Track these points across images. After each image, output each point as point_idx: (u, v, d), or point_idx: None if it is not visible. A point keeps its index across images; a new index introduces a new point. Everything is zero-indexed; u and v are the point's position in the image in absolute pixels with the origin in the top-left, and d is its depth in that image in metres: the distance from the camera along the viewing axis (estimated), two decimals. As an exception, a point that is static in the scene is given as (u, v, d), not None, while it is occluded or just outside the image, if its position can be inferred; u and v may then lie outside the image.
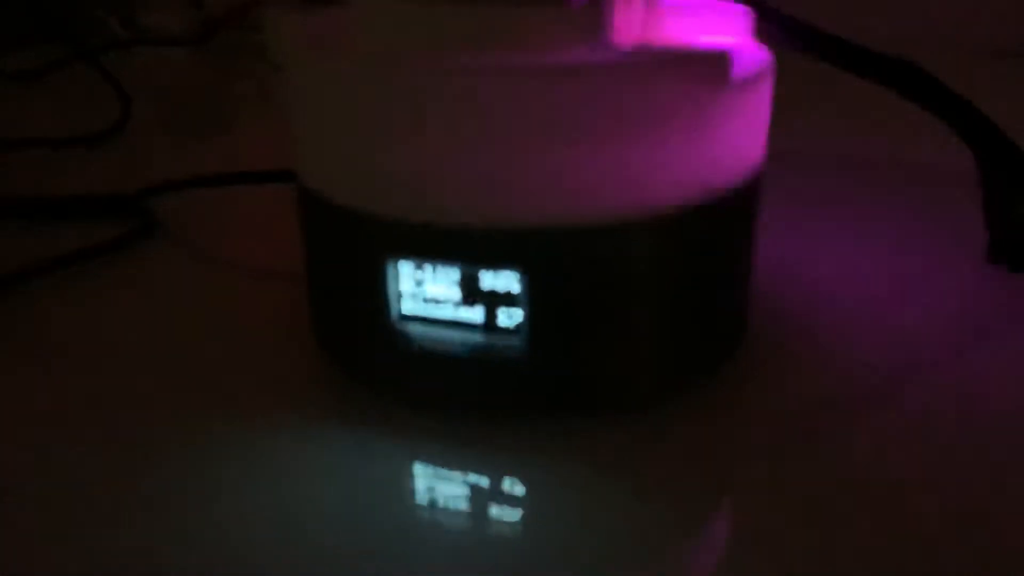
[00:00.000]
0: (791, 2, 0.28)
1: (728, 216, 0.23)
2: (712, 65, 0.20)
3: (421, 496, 0.21)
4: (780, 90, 0.27)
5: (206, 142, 0.47)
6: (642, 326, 0.22)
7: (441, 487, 0.21)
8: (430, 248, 0.21)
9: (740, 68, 0.22)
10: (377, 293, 0.22)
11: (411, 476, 0.21)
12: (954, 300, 0.29)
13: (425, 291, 0.22)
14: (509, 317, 0.21)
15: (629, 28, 0.24)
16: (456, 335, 0.22)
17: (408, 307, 0.22)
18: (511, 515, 0.20)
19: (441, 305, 0.22)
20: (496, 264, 0.21)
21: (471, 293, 0.21)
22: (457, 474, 0.21)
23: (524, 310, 0.21)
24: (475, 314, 0.22)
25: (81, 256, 0.31)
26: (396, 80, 0.20)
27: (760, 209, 0.25)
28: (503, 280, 0.21)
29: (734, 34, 0.25)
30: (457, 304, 0.22)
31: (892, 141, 0.45)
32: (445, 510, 0.20)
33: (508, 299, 0.21)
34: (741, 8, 0.26)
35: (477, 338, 0.22)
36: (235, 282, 0.31)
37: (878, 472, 0.21)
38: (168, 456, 0.22)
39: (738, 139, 0.22)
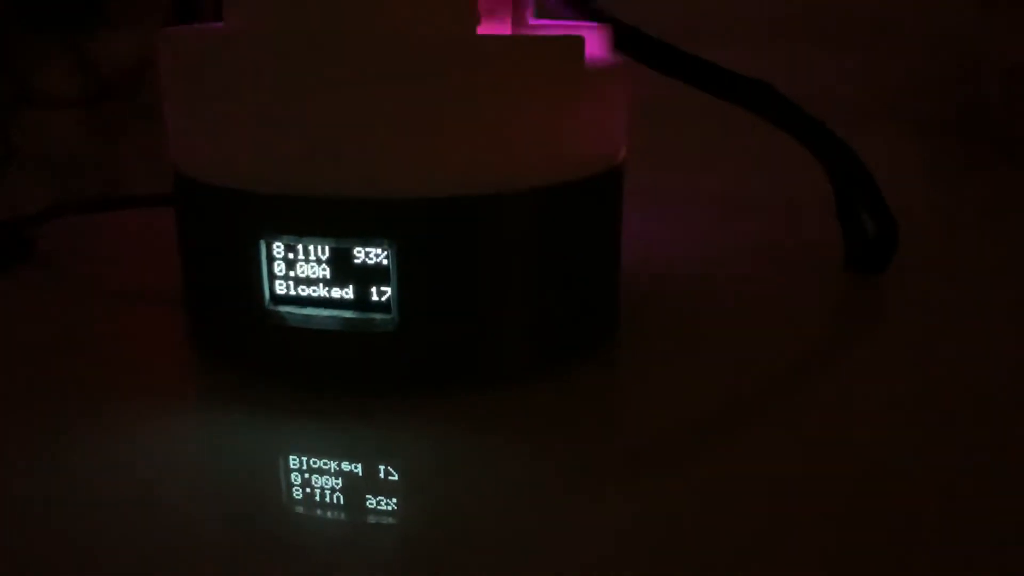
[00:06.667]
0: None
1: (591, 196, 0.24)
2: (567, 46, 0.22)
3: (297, 475, 0.20)
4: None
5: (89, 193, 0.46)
6: (509, 299, 0.23)
7: (318, 464, 0.21)
8: (300, 223, 0.22)
9: (596, 60, 0.24)
10: (250, 275, 0.22)
11: (288, 455, 0.21)
12: (818, 303, 0.31)
13: (297, 271, 0.22)
14: (379, 291, 0.22)
15: (495, 18, 0.26)
16: (328, 313, 0.22)
17: (280, 288, 0.22)
18: (388, 490, 0.20)
19: (313, 284, 0.22)
20: (366, 236, 0.21)
21: (342, 269, 0.22)
22: (333, 450, 0.21)
23: (394, 283, 0.22)
24: (346, 290, 0.22)
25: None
26: (260, 59, 0.21)
27: (623, 199, 0.26)
28: (373, 254, 0.22)
29: (593, 48, 0.27)
30: (328, 281, 0.22)
31: (750, 165, 0.47)
32: (323, 488, 0.20)
33: (378, 273, 0.22)
34: (603, 27, 0.28)
35: (349, 314, 0.22)
36: (110, 302, 0.31)
37: (739, 469, 0.22)
38: (31, 448, 0.21)
39: (598, 123, 0.23)
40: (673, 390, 0.24)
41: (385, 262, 0.22)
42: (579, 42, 0.22)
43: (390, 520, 0.19)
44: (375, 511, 0.19)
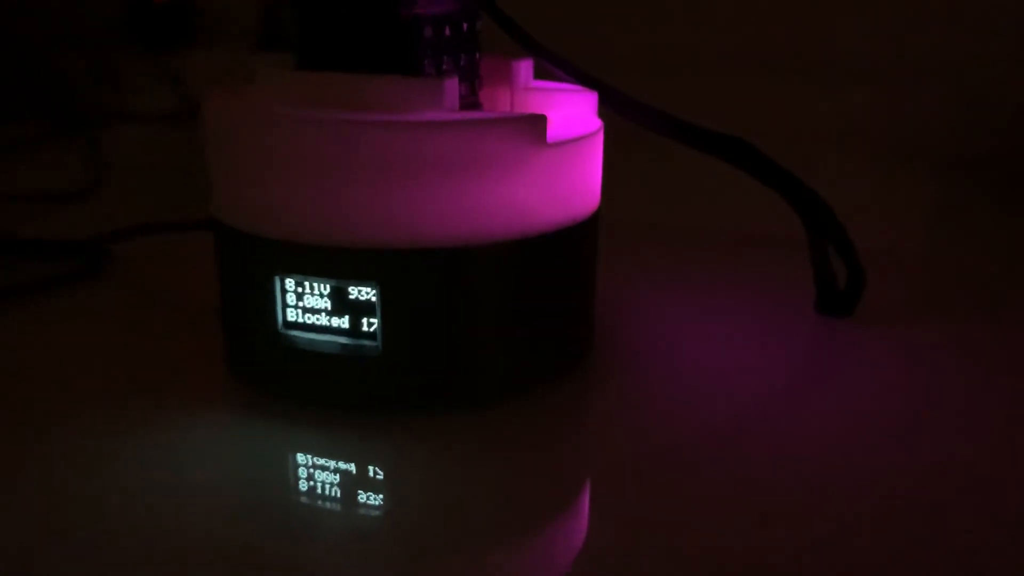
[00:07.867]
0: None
1: (559, 247, 0.28)
2: (529, 125, 0.26)
3: (302, 470, 0.25)
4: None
5: (176, 208, 0.52)
6: (481, 334, 0.27)
7: (314, 463, 0.25)
8: (307, 264, 0.26)
9: (567, 131, 0.28)
10: (267, 304, 0.27)
11: (289, 455, 0.26)
12: (789, 344, 0.34)
13: (304, 302, 0.27)
14: (368, 323, 0.26)
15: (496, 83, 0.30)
16: (328, 338, 0.27)
17: (291, 316, 0.27)
18: (373, 488, 0.24)
19: (317, 313, 0.27)
20: (357, 278, 0.26)
21: (339, 303, 0.26)
22: (328, 452, 0.26)
23: (379, 317, 0.26)
24: (343, 321, 0.27)
25: (22, 289, 0.36)
26: (280, 137, 0.26)
27: (596, 248, 0.30)
28: (363, 292, 0.26)
29: (581, 110, 0.31)
30: (329, 312, 0.27)
31: (730, 212, 0.50)
32: (312, 484, 0.25)
33: (367, 308, 0.26)
34: (590, 91, 0.32)
35: (344, 341, 0.27)
36: (170, 316, 0.36)
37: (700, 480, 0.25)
38: (75, 444, 0.27)
39: (565, 187, 0.27)
40: (642, 418, 0.28)
41: (373, 299, 0.26)
42: (541, 120, 0.26)
43: (375, 513, 0.24)
44: (360, 505, 0.24)
